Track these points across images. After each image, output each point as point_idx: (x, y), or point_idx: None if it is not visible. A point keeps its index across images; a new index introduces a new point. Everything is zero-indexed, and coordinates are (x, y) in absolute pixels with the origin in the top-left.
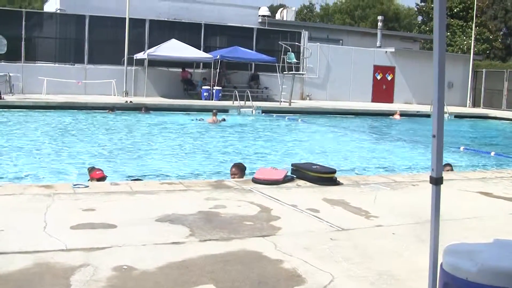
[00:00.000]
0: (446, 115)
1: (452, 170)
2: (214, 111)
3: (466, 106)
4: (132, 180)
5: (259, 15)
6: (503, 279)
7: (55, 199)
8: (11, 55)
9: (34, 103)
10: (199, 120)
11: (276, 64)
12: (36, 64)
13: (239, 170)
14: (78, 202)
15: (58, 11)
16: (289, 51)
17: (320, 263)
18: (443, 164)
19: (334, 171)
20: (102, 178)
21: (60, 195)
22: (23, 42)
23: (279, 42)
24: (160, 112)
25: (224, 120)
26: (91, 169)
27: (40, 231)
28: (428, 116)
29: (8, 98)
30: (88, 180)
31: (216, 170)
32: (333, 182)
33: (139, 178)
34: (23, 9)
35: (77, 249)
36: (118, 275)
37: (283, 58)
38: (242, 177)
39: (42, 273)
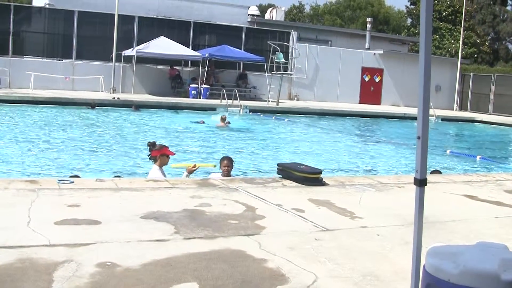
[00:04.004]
0: (433, 118)
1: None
2: (222, 116)
3: (453, 109)
4: (114, 177)
5: (248, 14)
6: (484, 281)
7: (39, 194)
8: None
9: (20, 97)
10: (201, 122)
11: (265, 64)
12: (24, 59)
13: (231, 162)
14: (62, 198)
15: (47, 6)
16: (277, 51)
17: (304, 263)
18: (433, 171)
19: (320, 172)
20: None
21: (45, 190)
22: (10, 36)
23: (268, 42)
24: (151, 110)
25: (229, 123)
26: (154, 144)
27: (24, 226)
28: (415, 118)
29: None
30: (148, 155)
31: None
32: (319, 182)
33: (119, 175)
34: (11, 3)
35: (61, 244)
36: (101, 271)
37: (272, 58)
38: (230, 172)
39: (25, 268)
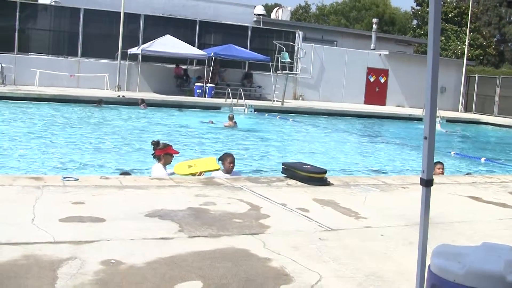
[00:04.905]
0: (438, 119)
1: (443, 168)
2: (230, 115)
3: (458, 111)
4: (121, 174)
5: (254, 14)
6: (490, 282)
7: (44, 191)
8: (4, 46)
9: (26, 94)
10: (209, 122)
11: (270, 63)
12: (29, 56)
13: (234, 159)
14: (67, 195)
15: (53, 3)
16: (283, 51)
17: (308, 262)
18: (435, 162)
19: (324, 171)
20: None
21: (50, 187)
22: (16, 33)
23: (274, 42)
24: (159, 109)
25: (235, 123)
26: (158, 143)
27: (29, 223)
28: (420, 119)
29: (0, 89)
30: (152, 154)
31: None
32: (324, 182)
33: (127, 172)
34: (18, 0)
35: (65, 242)
36: (105, 269)
37: (277, 58)
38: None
39: (29, 265)
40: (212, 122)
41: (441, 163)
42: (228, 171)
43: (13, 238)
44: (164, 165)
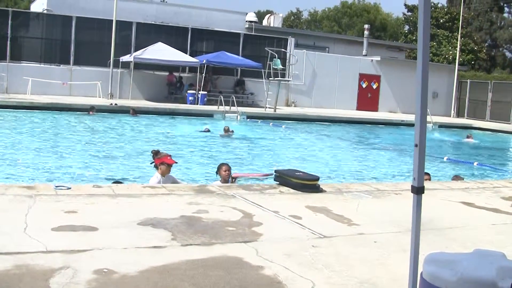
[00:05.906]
0: (430, 125)
1: (430, 179)
2: (225, 127)
3: (450, 116)
4: (113, 182)
5: (246, 21)
6: None
7: (36, 200)
8: None
9: (18, 103)
10: (206, 130)
11: (262, 70)
12: (21, 64)
13: (229, 167)
14: (59, 204)
15: (45, 12)
16: (275, 57)
17: (301, 270)
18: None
19: (317, 178)
20: (170, 166)
21: (42, 196)
22: (8, 42)
23: (266, 48)
24: (152, 116)
25: (232, 131)
26: (158, 153)
27: (21, 232)
28: (412, 125)
29: None
30: (152, 163)
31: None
32: (316, 189)
33: (120, 181)
34: (10, 8)
35: (58, 251)
36: (98, 278)
37: (269, 64)
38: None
39: (21, 274)
40: (209, 130)
41: (428, 174)
42: (225, 179)
43: (4, 248)
44: (162, 174)
